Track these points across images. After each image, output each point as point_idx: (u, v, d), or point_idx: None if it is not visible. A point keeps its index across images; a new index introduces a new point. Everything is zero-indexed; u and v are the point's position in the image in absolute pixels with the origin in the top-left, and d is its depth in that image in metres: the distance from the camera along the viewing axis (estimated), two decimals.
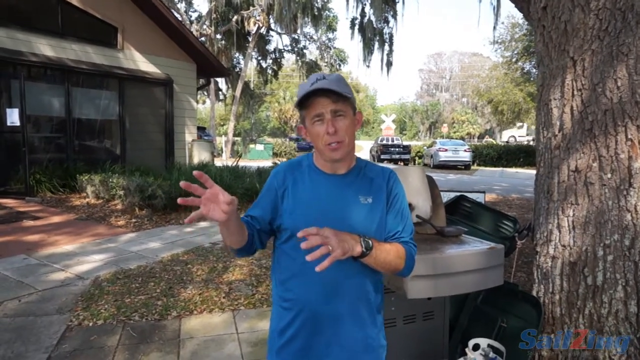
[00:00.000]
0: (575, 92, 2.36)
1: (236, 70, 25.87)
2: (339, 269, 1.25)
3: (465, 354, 2.15)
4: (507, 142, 31.96)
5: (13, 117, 7.71)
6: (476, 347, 2.15)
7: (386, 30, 15.07)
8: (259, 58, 27.46)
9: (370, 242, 1.22)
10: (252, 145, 25.49)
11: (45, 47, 8.57)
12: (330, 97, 1.25)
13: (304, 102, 1.28)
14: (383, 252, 1.26)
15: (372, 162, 1.49)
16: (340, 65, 31.17)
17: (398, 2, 12.70)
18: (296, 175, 1.36)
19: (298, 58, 28.04)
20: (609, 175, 2.23)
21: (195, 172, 1.07)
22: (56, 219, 6.62)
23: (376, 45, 15.12)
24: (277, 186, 1.36)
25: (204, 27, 22.23)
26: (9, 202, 7.43)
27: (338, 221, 1.28)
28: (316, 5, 20.45)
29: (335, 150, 1.28)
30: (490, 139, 39.97)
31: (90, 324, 3.23)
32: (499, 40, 24.84)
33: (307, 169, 1.37)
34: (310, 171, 1.37)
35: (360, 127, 1.38)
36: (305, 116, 1.31)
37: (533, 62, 21.86)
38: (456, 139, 36.66)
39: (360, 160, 1.42)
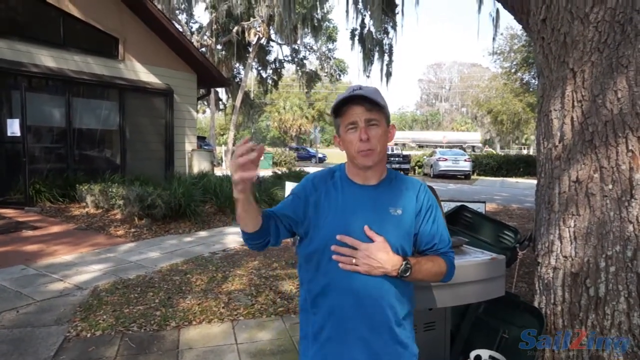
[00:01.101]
0: (576, 104, 2.37)
1: (236, 81, 26.00)
2: (368, 278, 1.30)
3: None
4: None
5: (14, 127, 7.72)
6: (478, 358, 2.13)
7: (386, 41, 15.21)
8: (259, 68, 27.63)
9: (409, 267, 1.28)
10: None
11: (47, 58, 8.62)
12: (365, 105, 1.29)
13: (339, 110, 1.31)
14: (422, 272, 1.33)
15: (402, 174, 1.51)
16: (340, 76, 31.31)
17: (398, 13, 12.80)
18: (329, 185, 1.39)
19: (298, 68, 28.21)
20: (610, 187, 2.23)
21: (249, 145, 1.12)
22: (55, 228, 6.60)
23: (376, 55, 15.24)
24: (309, 193, 1.37)
25: (205, 37, 22.40)
26: (8, 212, 7.41)
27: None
28: (316, 16, 20.60)
29: (367, 156, 1.30)
30: (490, 149, 40.08)
31: (89, 335, 3.20)
32: (498, 51, 25.01)
33: (339, 180, 1.40)
34: (342, 182, 1.39)
35: (392, 140, 1.41)
36: (339, 124, 1.34)
37: (532, 73, 22.00)
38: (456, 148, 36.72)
39: (390, 171, 1.44)
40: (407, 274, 1.28)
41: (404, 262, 1.28)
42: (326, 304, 1.34)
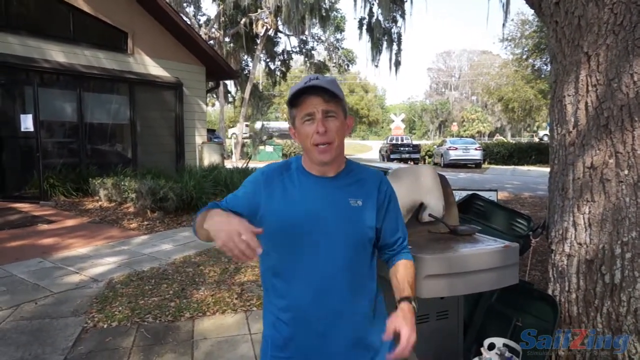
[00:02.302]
0: (590, 88, 2.32)
1: (245, 73, 25.96)
2: (329, 276, 1.29)
3: (481, 354, 2.12)
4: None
5: (27, 122, 7.82)
6: (491, 347, 2.13)
7: (394, 29, 15.05)
8: (268, 60, 27.54)
9: (414, 302, 1.34)
10: (261, 147, 25.56)
11: (58, 54, 8.68)
12: (322, 96, 1.24)
13: (295, 101, 1.26)
14: (413, 285, 1.39)
15: (363, 164, 1.48)
16: (348, 66, 31.12)
17: (406, 1, 12.68)
18: (285, 178, 1.34)
19: (306, 59, 28.07)
20: (626, 172, 2.20)
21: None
22: (70, 222, 6.70)
23: (384, 44, 15.10)
24: (262, 188, 1.33)
25: (213, 30, 22.37)
26: (23, 206, 7.54)
27: (327, 224, 1.29)
28: (324, 6, 20.45)
29: (324, 152, 1.26)
30: (501, 137, 39.66)
31: (105, 326, 3.26)
32: (509, 38, 24.62)
33: (296, 172, 1.35)
34: (299, 174, 1.35)
35: (350, 132, 1.38)
36: (295, 116, 1.29)
37: (544, 59, 21.63)
38: (466, 137, 36.39)
39: (350, 162, 1.40)
40: (415, 304, 1.33)
41: (412, 304, 1.31)
42: (289, 303, 1.33)
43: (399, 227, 1.41)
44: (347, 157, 1.41)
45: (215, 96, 28.71)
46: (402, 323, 1.23)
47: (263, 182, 1.34)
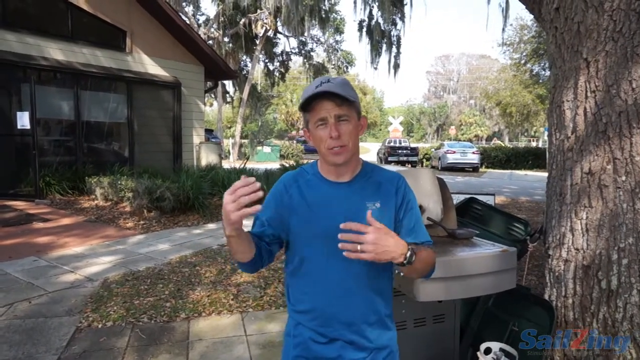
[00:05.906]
0: (589, 94, 2.33)
1: (243, 73, 25.96)
2: (348, 280, 1.30)
3: (477, 358, 2.12)
4: None
5: (23, 120, 7.77)
6: (488, 351, 2.12)
7: (394, 32, 15.10)
8: (266, 61, 27.56)
9: (414, 255, 1.19)
10: (259, 148, 25.55)
11: (56, 51, 8.65)
12: (335, 100, 1.23)
13: (308, 105, 1.26)
14: (421, 262, 1.24)
15: (380, 166, 1.46)
16: (347, 68, 31.16)
17: (406, 4, 12.72)
18: (302, 186, 1.35)
19: (305, 60, 28.11)
20: (624, 178, 2.20)
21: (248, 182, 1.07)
22: (65, 221, 6.66)
23: (384, 47, 15.15)
24: (284, 199, 1.34)
25: (212, 30, 22.36)
26: (19, 204, 7.49)
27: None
28: (323, 7, 20.49)
29: (338, 154, 1.26)
30: (499, 141, 39.77)
31: (100, 326, 3.24)
32: (508, 42, 24.67)
33: (313, 178, 1.36)
34: (316, 180, 1.35)
35: (364, 131, 1.37)
36: (309, 119, 1.29)
37: (542, 64, 21.73)
38: (464, 141, 36.48)
39: (367, 164, 1.40)
40: (413, 259, 1.19)
41: (409, 248, 1.18)
42: (311, 308, 1.34)
43: (418, 230, 1.36)
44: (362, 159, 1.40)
45: (213, 96, 28.70)
46: (380, 227, 1.14)
47: (285, 193, 1.34)
